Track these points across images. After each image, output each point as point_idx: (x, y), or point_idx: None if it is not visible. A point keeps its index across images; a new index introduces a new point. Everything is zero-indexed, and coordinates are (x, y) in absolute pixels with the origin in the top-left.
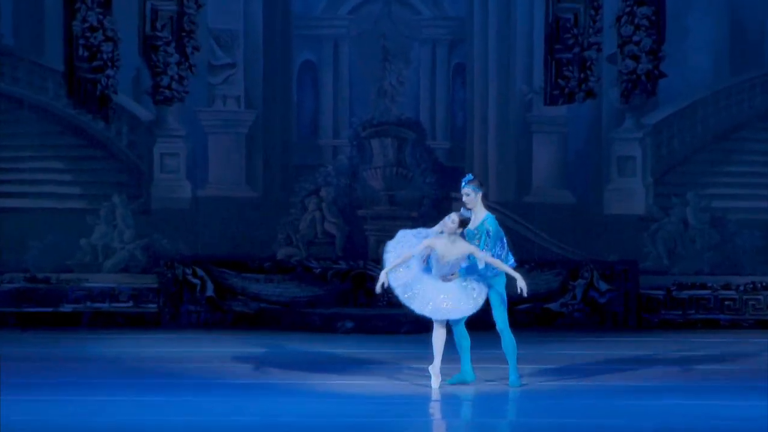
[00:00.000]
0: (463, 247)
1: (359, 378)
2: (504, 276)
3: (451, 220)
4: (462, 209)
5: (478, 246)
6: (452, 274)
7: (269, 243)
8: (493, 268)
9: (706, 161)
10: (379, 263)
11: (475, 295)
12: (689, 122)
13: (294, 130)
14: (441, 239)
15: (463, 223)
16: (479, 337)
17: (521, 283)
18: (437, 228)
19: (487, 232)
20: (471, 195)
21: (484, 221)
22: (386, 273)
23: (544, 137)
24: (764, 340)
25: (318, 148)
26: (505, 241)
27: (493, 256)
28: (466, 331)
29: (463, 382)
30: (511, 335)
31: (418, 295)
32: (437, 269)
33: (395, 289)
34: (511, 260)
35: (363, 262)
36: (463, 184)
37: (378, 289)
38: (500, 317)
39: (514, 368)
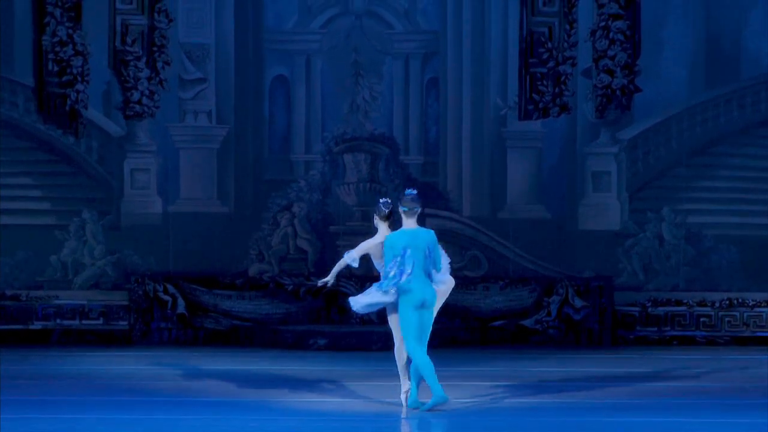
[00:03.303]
0: None
1: (331, 395)
2: (405, 295)
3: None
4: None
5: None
6: None
7: (241, 259)
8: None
9: (682, 176)
10: (350, 279)
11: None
12: (665, 137)
13: (266, 145)
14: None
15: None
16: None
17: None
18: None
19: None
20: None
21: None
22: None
23: (518, 152)
24: (740, 356)
25: (290, 163)
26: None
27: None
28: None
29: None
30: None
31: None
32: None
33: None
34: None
35: (336, 279)
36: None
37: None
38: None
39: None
